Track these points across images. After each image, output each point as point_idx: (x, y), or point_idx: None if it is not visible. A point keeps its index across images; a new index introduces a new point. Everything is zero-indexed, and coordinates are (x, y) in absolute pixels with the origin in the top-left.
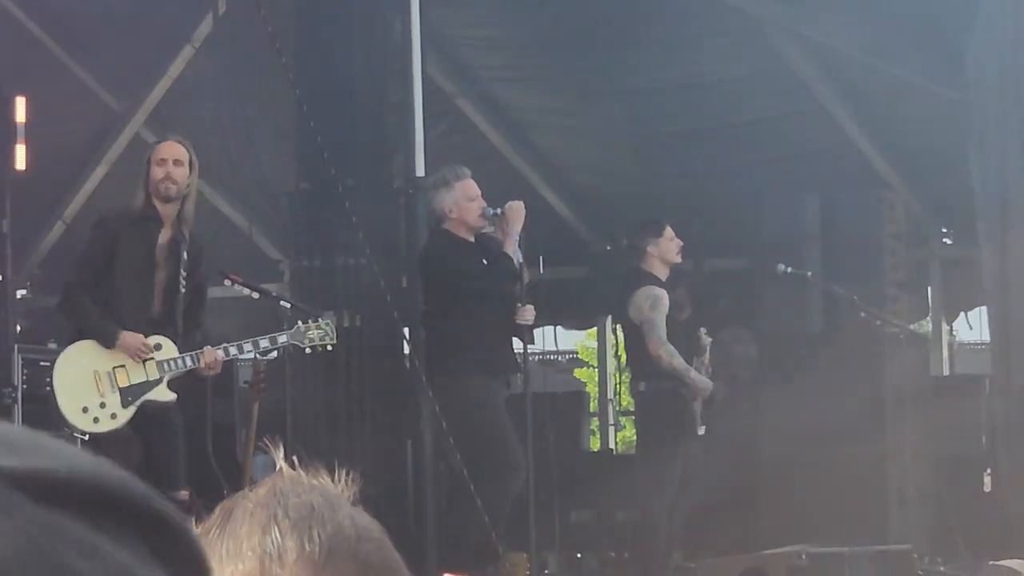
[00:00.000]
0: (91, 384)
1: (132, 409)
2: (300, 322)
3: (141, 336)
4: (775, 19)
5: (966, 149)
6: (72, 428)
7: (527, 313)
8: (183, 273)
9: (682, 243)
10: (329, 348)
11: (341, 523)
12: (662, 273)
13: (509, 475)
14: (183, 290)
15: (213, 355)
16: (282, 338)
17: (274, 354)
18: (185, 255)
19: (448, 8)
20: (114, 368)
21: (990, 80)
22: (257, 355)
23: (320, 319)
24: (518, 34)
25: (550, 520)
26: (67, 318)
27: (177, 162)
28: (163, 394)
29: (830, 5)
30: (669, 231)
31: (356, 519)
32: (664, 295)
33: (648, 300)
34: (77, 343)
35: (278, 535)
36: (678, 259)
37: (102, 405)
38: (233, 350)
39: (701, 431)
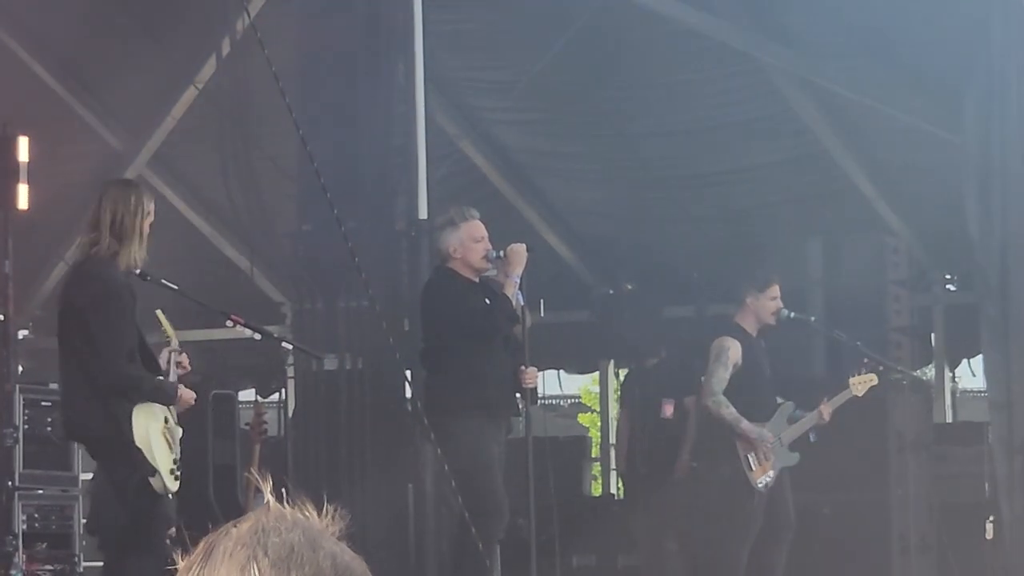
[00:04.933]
0: (166, 445)
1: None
2: None
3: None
4: (780, 64)
5: (967, 194)
6: (171, 492)
7: (529, 377)
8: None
9: (782, 306)
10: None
11: (320, 565)
12: (751, 327)
13: (489, 521)
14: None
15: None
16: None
17: (275, 396)
18: None
19: (452, 51)
20: (165, 427)
21: (987, 126)
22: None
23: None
24: (521, 77)
25: (552, 564)
26: (132, 394)
27: None
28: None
29: (834, 51)
30: (775, 289)
31: (337, 558)
32: (733, 347)
33: (715, 350)
34: (137, 408)
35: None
36: (771, 321)
37: (175, 462)
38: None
39: (764, 483)
